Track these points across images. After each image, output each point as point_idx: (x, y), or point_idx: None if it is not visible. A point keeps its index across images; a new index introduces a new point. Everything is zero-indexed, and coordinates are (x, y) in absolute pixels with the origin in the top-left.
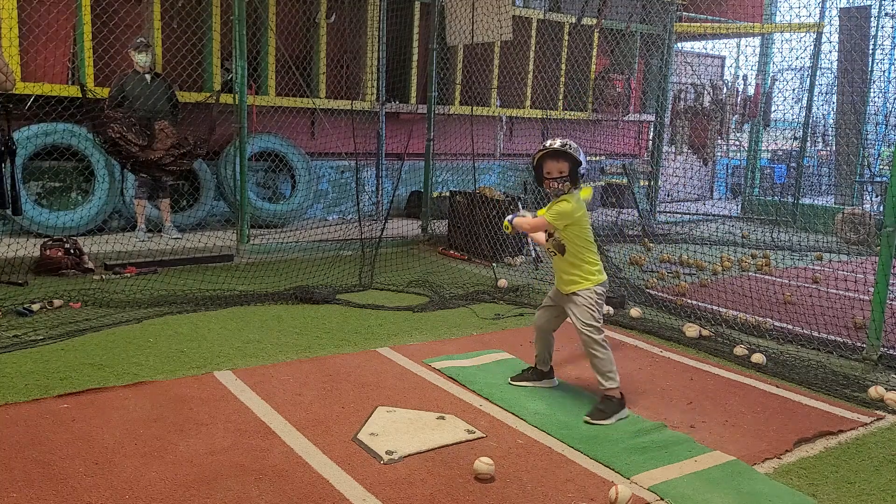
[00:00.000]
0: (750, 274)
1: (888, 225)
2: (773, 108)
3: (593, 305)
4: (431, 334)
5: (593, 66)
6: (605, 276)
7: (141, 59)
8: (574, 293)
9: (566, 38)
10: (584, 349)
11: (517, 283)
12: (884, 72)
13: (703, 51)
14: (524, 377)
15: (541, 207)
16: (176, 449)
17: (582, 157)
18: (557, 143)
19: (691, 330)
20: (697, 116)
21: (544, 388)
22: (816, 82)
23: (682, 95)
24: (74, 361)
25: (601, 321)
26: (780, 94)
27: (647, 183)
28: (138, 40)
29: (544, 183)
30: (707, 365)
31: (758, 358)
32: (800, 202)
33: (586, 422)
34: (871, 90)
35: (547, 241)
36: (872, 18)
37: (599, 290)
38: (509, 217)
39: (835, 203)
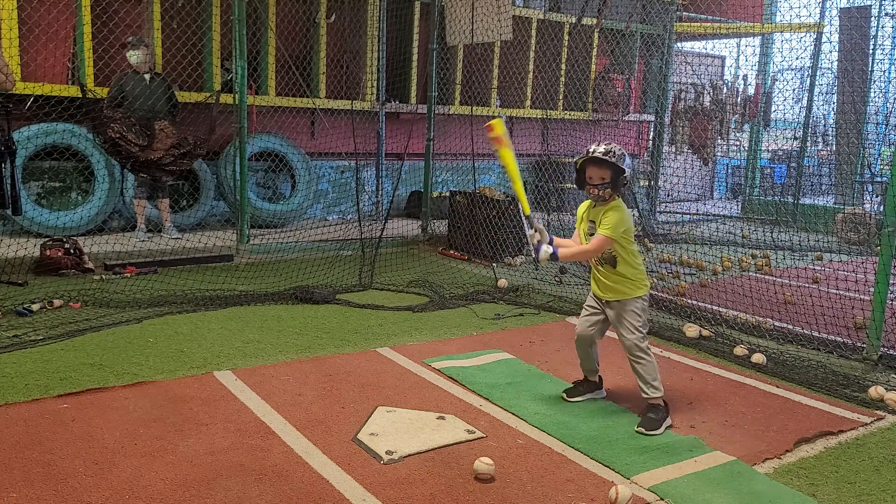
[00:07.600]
0: (750, 274)
1: (888, 225)
2: (773, 108)
3: (641, 312)
4: (431, 334)
5: (593, 66)
6: (649, 282)
7: (132, 56)
8: (621, 300)
9: (566, 38)
10: (628, 356)
11: (517, 283)
12: (884, 72)
13: (703, 51)
14: (577, 392)
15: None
16: (176, 449)
17: (626, 164)
18: (601, 149)
19: (691, 330)
20: (697, 116)
21: (597, 398)
22: (816, 82)
23: (682, 95)
24: (74, 361)
25: (646, 328)
26: (780, 94)
27: (647, 183)
28: (128, 39)
29: (586, 188)
30: (707, 365)
31: (758, 358)
32: (800, 202)
33: (639, 433)
34: (871, 90)
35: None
36: (872, 18)
37: (647, 297)
38: (546, 251)
39: (835, 203)
